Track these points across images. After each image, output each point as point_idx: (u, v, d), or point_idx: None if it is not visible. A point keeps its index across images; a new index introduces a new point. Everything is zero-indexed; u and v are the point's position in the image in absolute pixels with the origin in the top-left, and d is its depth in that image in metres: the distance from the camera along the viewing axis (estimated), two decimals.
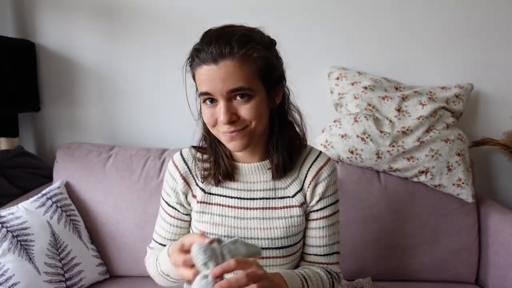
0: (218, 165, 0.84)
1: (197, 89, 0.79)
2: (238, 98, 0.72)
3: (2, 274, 1.08)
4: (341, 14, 1.59)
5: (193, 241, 0.64)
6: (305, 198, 0.85)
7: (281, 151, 0.82)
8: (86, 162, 1.43)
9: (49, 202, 1.29)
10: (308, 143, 0.90)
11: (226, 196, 0.85)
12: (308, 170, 0.86)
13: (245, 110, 0.72)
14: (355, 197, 1.39)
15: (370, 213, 1.38)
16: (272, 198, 0.85)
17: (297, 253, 0.88)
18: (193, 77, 0.78)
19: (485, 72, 1.60)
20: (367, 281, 1.30)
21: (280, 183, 0.85)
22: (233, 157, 0.85)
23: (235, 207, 0.85)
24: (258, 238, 0.82)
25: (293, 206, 0.85)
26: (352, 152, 1.39)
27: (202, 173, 0.86)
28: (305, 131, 0.87)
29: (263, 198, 0.84)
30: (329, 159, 0.88)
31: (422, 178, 1.39)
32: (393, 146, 1.37)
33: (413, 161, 1.37)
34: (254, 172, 0.85)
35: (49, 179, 1.53)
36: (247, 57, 0.71)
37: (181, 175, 0.87)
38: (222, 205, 0.85)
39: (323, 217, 0.86)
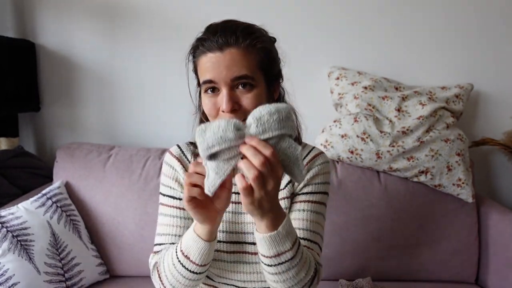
0: None
1: (198, 83, 0.79)
2: (240, 87, 0.72)
3: (2, 274, 1.08)
4: (341, 14, 1.59)
5: None
6: (293, 185, 0.85)
7: None
8: (86, 162, 1.43)
9: (49, 202, 1.29)
10: (308, 143, 0.90)
11: None
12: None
13: (247, 99, 0.72)
14: (355, 197, 1.39)
15: (370, 213, 1.38)
16: None
17: None
18: (195, 68, 0.79)
19: (485, 72, 1.60)
20: (367, 281, 1.30)
21: None
22: None
23: (233, 202, 0.84)
24: (253, 233, 0.82)
25: (282, 198, 0.84)
26: (352, 152, 1.39)
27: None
28: (300, 130, 0.87)
29: None
30: (322, 152, 0.88)
31: (422, 178, 1.39)
32: (393, 146, 1.37)
33: (413, 161, 1.37)
34: None
35: (49, 179, 1.52)
36: (251, 47, 0.73)
37: (180, 163, 0.86)
38: None
39: (308, 201, 0.83)
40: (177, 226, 0.84)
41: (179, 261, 0.74)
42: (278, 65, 0.82)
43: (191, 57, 0.80)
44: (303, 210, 0.82)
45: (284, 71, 0.84)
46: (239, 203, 0.85)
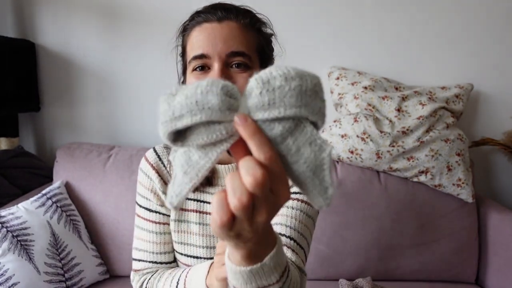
0: None
1: (184, 69, 0.72)
2: (234, 66, 0.64)
3: (2, 274, 1.08)
4: (341, 14, 1.59)
5: None
6: None
7: None
8: (86, 162, 1.43)
9: (49, 202, 1.29)
10: None
11: (204, 202, 0.76)
12: None
13: (242, 79, 0.62)
14: (355, 197, 1.39)
15: (370, 213, 1.38)
16: None
17: None
18: (184, 45, 0.72)
19: (485, 72, 1.60)
20: (367, 281, 1.30)
21: None
22: None
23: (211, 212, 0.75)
24: None
25: None
26: (352, 152, 1.39)
27: None
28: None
29: None
30: None
31: (422, 178, 1.39)
32: (393, 146, 1.37)
33: (413, 161, 1.37)
34: None
35: (49, 179, 1.52)
36: (251, 26, 0.68)
37: (157, 172, 0.77)
38: (200, 212, 0.76)
39: (298, 199, 0.73)
40: (154, 243, 0.77)
41: None
42: (272, 59, 0.76)
43: (180, 38, 0.73)
44: (292, 208, 0.72)
45: None
46: None
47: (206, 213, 0.76)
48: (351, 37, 1.60)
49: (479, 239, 1.43)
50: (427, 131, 1.39)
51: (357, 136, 1.39)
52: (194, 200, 0.77)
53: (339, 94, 1.51)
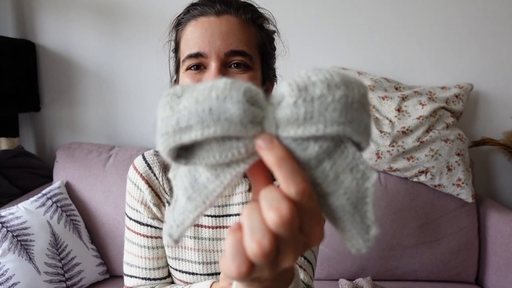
0: None
1: (177, 67, 0.66)
2: (233, 66, 0.58)
3: (2, 274, 1.08)
4: (341, 14, 1.59)
5: None
6: None
7: None
8: (86, 162, 1.43)
9: (49, 202, 1.30)
10: None
11: None
12: None
13: (241, 80, 0.58)
14: None
15: None
16: None
17: None
18: (177, 40, 0.66)
19: (485, 72, 1.60)
20: (367, 281, 1.30)
21: None
22: None
23: (209, 227, 0.70)
24: None
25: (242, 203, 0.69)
26: None
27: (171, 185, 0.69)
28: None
29: (239, 214, 0.69)
30: None
31: (422, 178, 1.39)
32: (393, 146, 1.37)
33: (413, 161, 1.37)
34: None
35: (49, 179, 1.53)
36: (252, 22, 0.61)
37: (146, 182, 0.71)
38: (196, 225, 0.71)
39: None
40: (146, 258, 0.71)
41: None
42: (274, 59, 0.70)
43: (173, 32, 0.66)
44: None
45: (284, 71, 0.80)
46: (218, 227, 0.70)
47: (202, 226, 0.71)
48: (351, 37, 1.60)
49: (479, 239, 1.43)
50: (427, 131, 1.39)
51: None
52: None
53: None
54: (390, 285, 1.36)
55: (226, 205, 0.71)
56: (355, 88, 0.27)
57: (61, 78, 1.66)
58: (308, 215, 0.27)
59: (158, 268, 0.72)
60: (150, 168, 0.72)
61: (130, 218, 0.72)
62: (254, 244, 0.25)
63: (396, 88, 1.52)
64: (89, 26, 1.62)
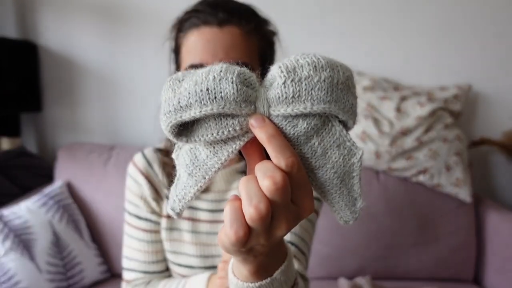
0: None
1: (177, 67, 0.67)
2: None
3: (4, 273, 1.09)
4: (341, 14, 1.60)
5: None
6: None
7: None
8: (88, 162, 1.44)
9: (51, 201, 1.30)
10: None
11: (196, 209, 0.73)
12: None
13: None
14: None
15: (369, 213, 1.39)
16: None
17: None
18: (177, 47, 0.66)
19: (484, 72, 1.61)
20: (366, 280, 1.30)
21: None
22: None
23: (207, 221, 0.72)
24: None
25: None
26: None
27: (170, 180, 0.71)
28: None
29: None
30: None
31: (421, 178, 1.40)
32: (392, 146, 1.38)
33: (412, 161, 1.38)
34: (224, 179, 0.72)
35: (50, 179, 1.53)
36: (255, 31, 0.62)
37: (146, 178, 0.73)
38: (193, 220, 0.73)
39: None
40: (145, 252, 0.73)
41: None
42: (274, 61, 0.71)
43: (173, 34, 0.67)
44: None
45: None
46: (214, 221, 0.72)
47: (198, 220, 0.72)
48: (351, 37, 1.61)
49: (477, 238, 1.44)
50: (426, 131, 1.40)
51: (356, 136, 1.40)
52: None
53: None
54: (390, 284, 1.37)
55: (223, 200, 0.73)
56: (340, 70, 0.31)
57: (63, 78, 1.67)
58: (299, 186, 0.30)
59: (157, 262, 0.74)
60: (149, 164, 0.74)
61: (130, 213, 0.74)
62: (252, 208, 0.28)
63: (395, 89, 1.53)
64: (90, 26, 1.63)
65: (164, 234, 0.73)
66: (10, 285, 1.08)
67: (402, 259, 1.41)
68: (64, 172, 1.44)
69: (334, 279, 1.37)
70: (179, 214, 0.33)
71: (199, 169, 0.31)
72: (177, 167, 0.33)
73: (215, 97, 0.28)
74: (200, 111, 0.29)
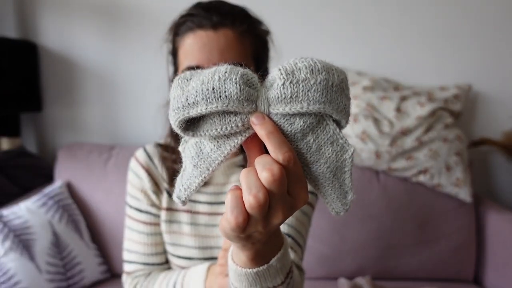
0: None
1: (175, 69, 0.70)
2: None
3: (4, 273, 1.09)
4: (340, 14, 1.60)
5: None
6: None
7: None
8: (88, 162, 1.44)
9: (51, 202, 1.30)
10: None
11: (195, 202, 0.75)
12: None
13: None
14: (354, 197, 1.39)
15: (369, 213, 1.39)
16: None
17: None
18: (174, 50, 0.69)
19: (484, 72, 1.61)
20: (366, 280, 1.31)
21: None
22: None
23: (205, 214, 0.74)
24: None
25: None
26: None
27: (169, 174, 0.73)
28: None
29: None
30: None
31: (421, 178, 1.40)
32: (392, 146, 1.38)
33: (412, 161, 1.38)
34: (223, 173, 0.74)
35: (50, 179, 1.53)
36: (248, 33, 0.64)
37: (147, 172, 0.76)
38: (192, 212, 0.75)
39: None
40: (145, 244, 0.75)
41: None
42: (268, 60, 0.73)
43: (171, 37, 0.69)
44: None
45: None
46: (213, 214, 0.74)
47: (198, 213, 0.74)
48: (351, 37, 1.61)
49: (477, 238, 1.44)
50: (426, 131, 1.40)
51: (356, 136, 1.40)
52: None
53: None
54: (389, 284, 1.37)
55: (221, 193, 0.75)
56: (335, 73, 0.33)
57: (63, 78, 1.67)
58: (294, 179, 0.33)
59: (157, 254, 0.76)
60: (150, 158, 0.77)
61: (131, 207, 0.77)
62: (251, 197, 0.31)
63: (395, 89, 1.53)
64: (90, 26, 1.63)
65: (163, 227, 0.75)
66: (10, 285, 1.08)
67: (402, 259, 1.41)
68: (64, 172, 1.44)
69: (334, 279, 1.37)
70: (184, 202, 0.36)
71: (204, 161, 0.34)
72: (183, 159, 0.36)
73: (220, 96, 0.31)
74: (206, 108, 0.32)
